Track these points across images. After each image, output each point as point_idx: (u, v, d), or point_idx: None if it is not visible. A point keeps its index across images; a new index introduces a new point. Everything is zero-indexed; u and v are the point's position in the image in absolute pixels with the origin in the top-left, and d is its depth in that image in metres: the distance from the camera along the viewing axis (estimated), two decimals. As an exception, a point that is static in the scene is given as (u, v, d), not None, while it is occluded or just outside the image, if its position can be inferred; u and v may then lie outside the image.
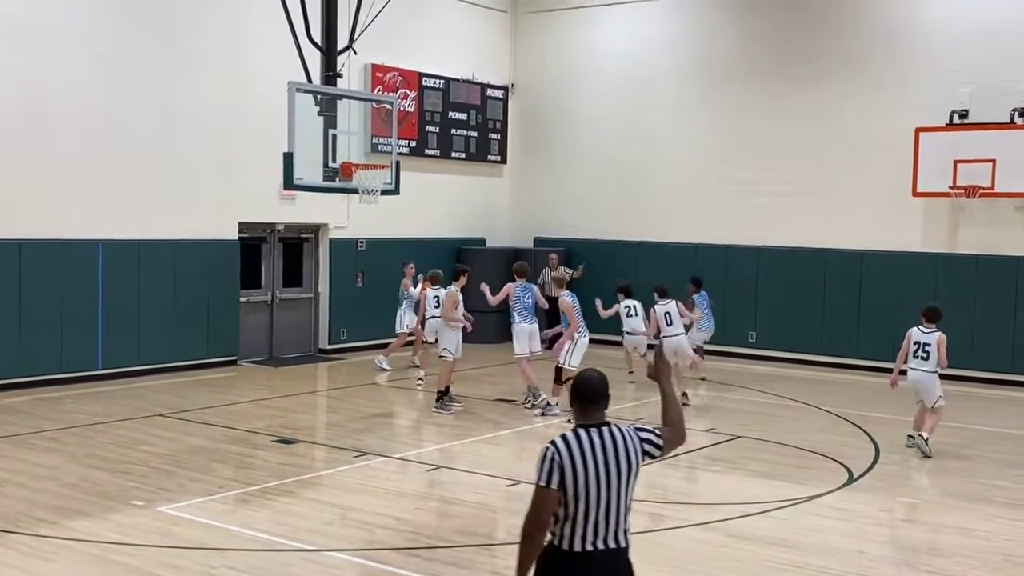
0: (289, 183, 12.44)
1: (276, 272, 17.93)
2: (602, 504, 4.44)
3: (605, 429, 4.54)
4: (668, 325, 14.30)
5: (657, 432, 4.65)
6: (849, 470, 10.73)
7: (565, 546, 4.47)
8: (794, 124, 18.40)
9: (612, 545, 4.49)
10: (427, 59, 19.62)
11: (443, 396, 13.44)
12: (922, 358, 11.71)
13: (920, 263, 17.22)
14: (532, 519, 4.46)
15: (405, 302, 16.51)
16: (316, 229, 18.33)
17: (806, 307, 18.23)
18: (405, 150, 18.68)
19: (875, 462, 11.17)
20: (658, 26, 19.99)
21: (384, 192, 13.40)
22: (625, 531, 4.53)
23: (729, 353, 18.13)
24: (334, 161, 12.93)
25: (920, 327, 11.94)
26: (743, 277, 18.61)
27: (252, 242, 17.44)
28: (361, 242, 18.61)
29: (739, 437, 12.62)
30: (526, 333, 13.68)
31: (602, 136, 20.54)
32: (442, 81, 19.87)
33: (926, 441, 11.39)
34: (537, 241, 21.34)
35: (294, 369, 16.89)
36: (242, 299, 17.08)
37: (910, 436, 11.82)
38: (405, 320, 16.51)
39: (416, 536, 8.32)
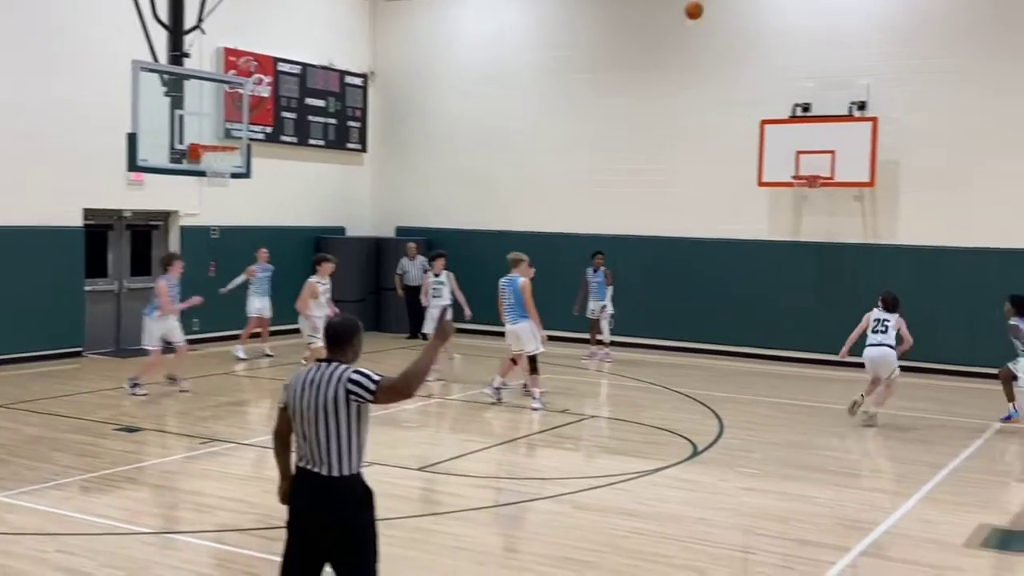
0: (133, 165, 12.10)
1: (123, 260, 17.37)
2: (308, 430, 4.91)
3: (326, 365, 4.97)
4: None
5: (377, 379, 4.87)
6: (694, 444, 11.06)
7: (295, 461, 5.10)
8: (647, 116, 18.82)
9: (317, 470, 4.89)
10: (283, 44, 19.31)
11: None
12: (881, 332, 12.39)
13: (766, 250, 17.84)
14: (274, 427, 5.27)
15: (251, 287, 16.50)
16: (166, 216, 17.83)
17: (660, 294, 18.67)
18: (261, 136, 18.39)
19: (719, 437, 11.54)
20: (518, 17, 20.16)
21: (235, 175, 13.15)
22: (328, 461, 4.85)
23: (587, 340, 18.43)
24: (181, 143, 12.60)
25: (877, 309, 12.55)
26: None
27: (98, 229, 16.84)
28: (214, 229, 18.19)
29: (592, 417, 12.87)
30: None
31: (463, 125, 20.59)
32: (299, 67, 19.58)
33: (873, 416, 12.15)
34: (399, 231, 21.26)
35: (142, 360, 16.35)
36: (87, 288, 16.49)
37: (864, 412, 12.31)
38: (256, 305, 16.39)
39: (264, 517, 8.18)
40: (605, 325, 17.34)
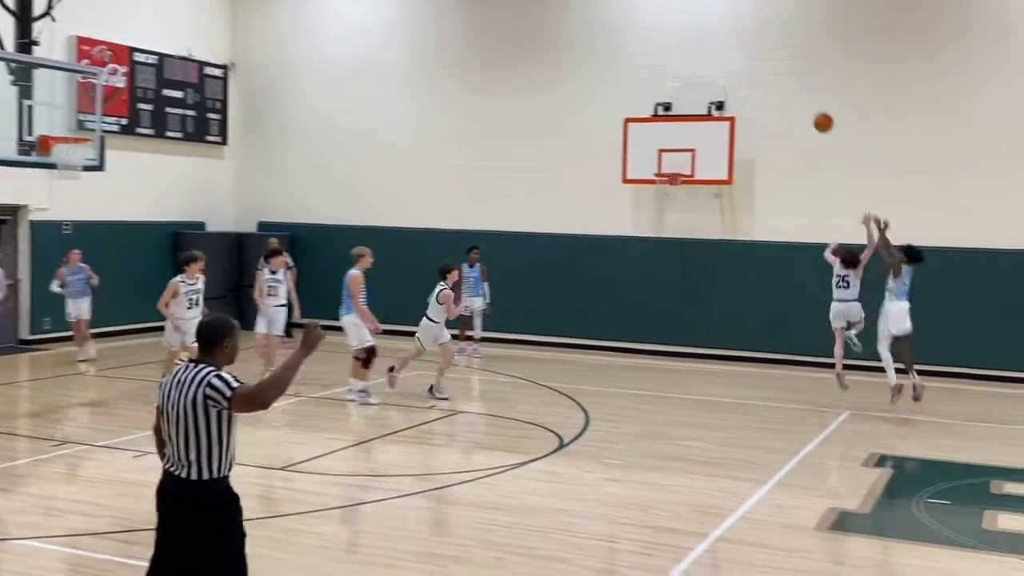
0: (-23, 156, 11.54)
1: (-32, 256, 16.55)
2: (172, 431, 4.87)
3: (193, 366, 4.91)
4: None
5: (234, 387, 4.79)
6: (560, 438, 11.20)
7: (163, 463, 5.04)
8: (514, 113, 18.93)
9: (179, 473, 4.85)
10: (139, 34, 18.67)
11: None
12: (843, 287, 13.36)
13: (630, 246, 18.19)
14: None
15: (65, 290, 15.47)
16: (14, 211, 17.01)
17: (528, 290, 18.82)
18: (115, 128, 17.77)
19: (584, 429, 11.72)
20: (382, 11, 20.01)
21: (87, 168, 12.71)
22: (188, 464, 4.81)
23: (456, 335, 18.42)
24: (30, 134, 12.09)
25: (838, 267, 13.51)
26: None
27: (-61, 224, 16.02)
28: (67, 225, 17.46)
29: (461, 412, 12.90)
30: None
31: (327, 119, 20.32)
32: (156, 57, 18.99)
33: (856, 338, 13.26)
34: (261, 226, 20.85)
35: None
36: (-70, 286, 15.63)
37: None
38: (69, 308, 15.55)
39: (118, 521, 7.94)
40: (478, 321, 17.42)
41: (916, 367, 13.23)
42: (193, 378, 4.83)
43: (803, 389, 14.90)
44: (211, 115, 20.37)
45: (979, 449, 11.31)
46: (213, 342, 4.96)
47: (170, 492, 4.90)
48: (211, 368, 4.88)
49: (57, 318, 16.55)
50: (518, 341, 18.59)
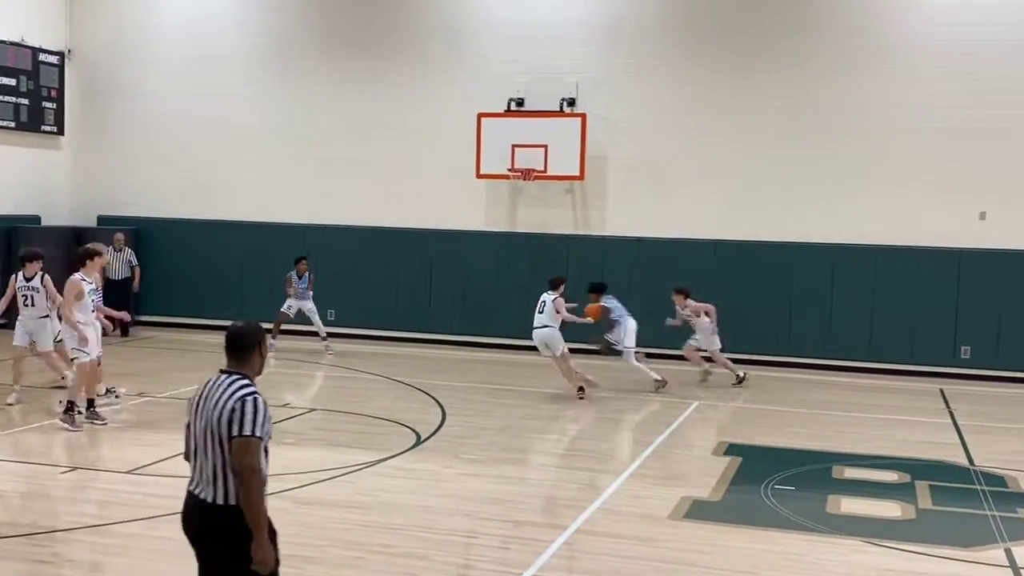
0: None
1: None
2: (196, 448, 4.55)
3: (225, 378, 4.58)
4: None
5: (248, 432, 4.45)
6: (417, 434, 11.13)
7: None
8: (367, 107, 18.70)
9: (202, 494, 4.51)
10: (-33, 16, 17.66)
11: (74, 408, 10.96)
12: (539, 312, 13.84)
13: (483, 241, 18.23)
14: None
15: None
16: None
17: (379, 285, 18.65)
18: (-60, 115, 16.73)
19: (441, 425, 11.68)
20: (225, 1, 19.44)
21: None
22: (213, 486, 4.47)
23: (306, 332, 18.11)
24: None
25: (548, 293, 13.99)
26: (322, 257, 18.60)
27: None
28: None
29: (313, 410, 12.66)
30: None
31: (170, 109, 19.62)
32: (-14, 42, 17.98)
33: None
34: (101, 220, 19.99)
35: None
36: None
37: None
38: None
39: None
40: (316, 319, 16.95)
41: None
42: (223, 393, 4.52)
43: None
44: (47, 104, 19.39)
45: (820, 436, 11.80)
46: (247, 349, 4.65)
47: (195, 515, 4.58)
48: (246, 382, 4.57)
49: None
50: (370, 337, 18.40)
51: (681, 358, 15.39)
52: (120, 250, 17.85)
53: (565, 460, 10.16)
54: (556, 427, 11.78)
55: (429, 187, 18.42)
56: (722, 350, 15.04)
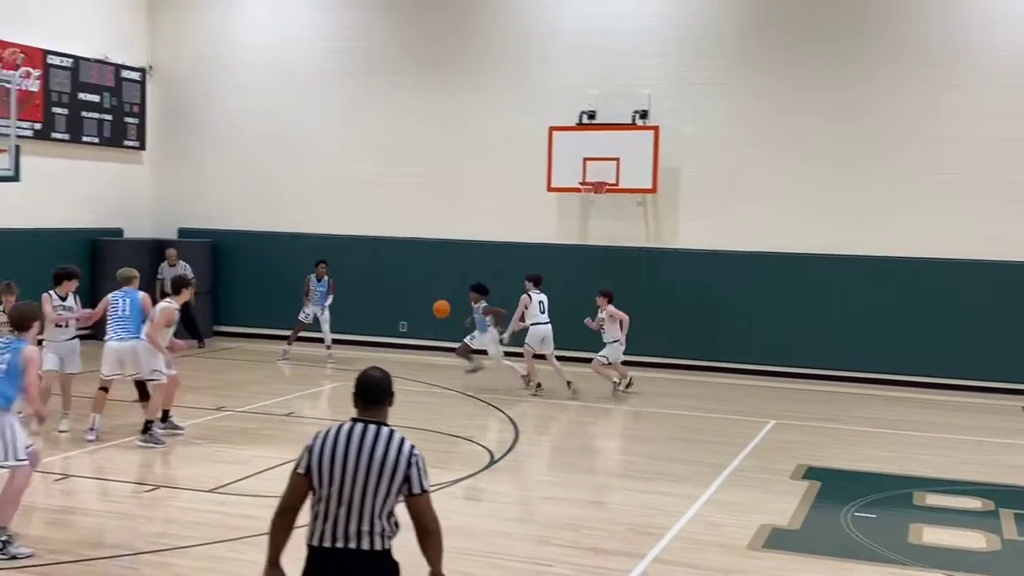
0: None
1: None
2: (345, 498, 4.44)
3: (372, 427, 4.55)
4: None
5: (427, 487, 4.57)
6: (491, 452, 11.18)
7: (308, 540, 4.52)
8: (439, 120, 18.82)
9: (351, 545, 4.45)
10: (53, 36, 18.13)
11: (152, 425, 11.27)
12: (542, 312, 14.87)
13: (554, 254, 18.23)
14: (279, 503, 4.58)
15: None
16: (-78, 218, 16.46)
17: (450, 298, 18.67)
18: (28, 133, 17.23)
19: (514, 444, 11.72)
20: (302, 17, 19.72)
21: (2, 178, 12.28)
22: (371, 534, 4.46)
23: (381, 343, 18.33)
24: (-59, 144, 11.67)
25: (532, 292, 14.95)
26: (395, 269, 18.84)
27: None
28: (-23, 233, 16.93)
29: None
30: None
31: (249, 124, 19.98)
32: (71, 60, 18.47)
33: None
34: (182, 232, 20.42)
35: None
36: None
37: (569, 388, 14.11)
38: None
39: (42, 552, 7.68)
40: (327, 328, 17.32)
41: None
42: (388, 444, 4.51)
43: (727, 399, 15.11)
44: (129, 119, 19.87)
45: (899, 459, 11.60)
46: (384, 397, 4.67)
47: (346, 567, 4.47)
48: (401, 434, 4.60)
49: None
50: (441, 349, 18.49)
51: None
52: (173, 264, 18.20)
53: (640, 483, 10.11)
54: (631, 447, 11.75)
55: (500, 200, 18.48)
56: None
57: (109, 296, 11.71)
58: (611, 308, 14.78)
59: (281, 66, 19.73)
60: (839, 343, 16.71)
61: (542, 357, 15.02)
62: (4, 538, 7.51)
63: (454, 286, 18.65)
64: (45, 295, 11.38)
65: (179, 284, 11.72)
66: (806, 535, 8.72)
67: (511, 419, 13.02)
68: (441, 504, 8.96)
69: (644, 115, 17.57)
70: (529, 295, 15.14)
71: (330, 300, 17.34)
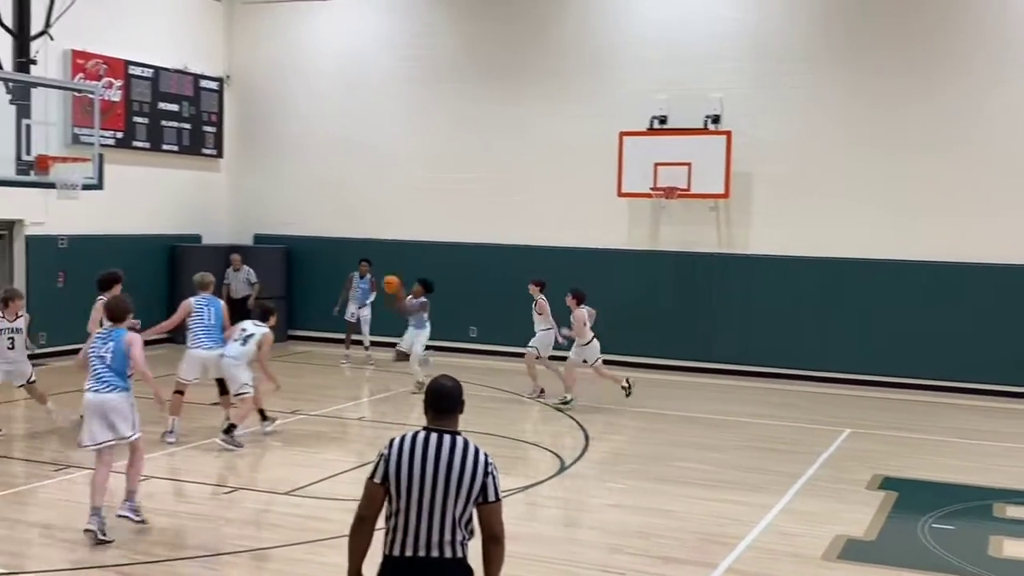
0: (-24, 177, 11.49)
1: (-36, 272, 16.48)
2: (424, 508, 4.47)
3: (447, 436, 4.58)
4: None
5: (500, 496, 4.59)
6: (561, 459, 11.19)
7: (385, 550, 4.53)
8: (508, 126, 18.92)
9: (433, 554, 4.48)
10: (134, 47, 18.61)
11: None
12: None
13: (625, 260, 18.19)
14: (356, 512, 4.60)
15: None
16: (10, 226, 16.94)
17: (522, 303, 18.76)
18: (111, 142, 17.70)
19: (585, 450, 11.72)
20: (376, 24, 19.97)
21: (87, 187, 12.65)
22: (452, 543, 4.50)
23: (450, 348, 18.43)
24: (28, 153, 12.05)
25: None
26: (463, 274, 18.94)
27: (-65, 240, 15.94)
28: (62, 239, 17.42)
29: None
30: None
31: (322, 131, 20.28)
32: (151, 70, 18.93)
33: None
34: (257, 238, 20.80)
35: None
36: (-76, 302, 15.51)
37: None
38: None
39: (123, 552, 7.90)
40: (366, 329, 17.80)
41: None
42: (465, 453, 4.56)
43: (802, 407, 14.94)
44: (207, 128, 20.30)
45: (977, 469, 11.36)
46: (456, 406, 4.69)
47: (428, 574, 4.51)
48: (475, 444, 4.63)
49: (55, 332, 16.48)
50: (511, 354, 18.54)
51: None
52: (238, 270, 18.50)
53: (713, 491, 10.04)
54: (703, 455, 11.65)
55: (571, 206, 18.49)
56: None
57: (192, 302, 11.87)
58: (579, 311, 14.28)
59: (353, 73, 20.00)
60: (916, 350, 16.39)
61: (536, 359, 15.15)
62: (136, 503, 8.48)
63: (525, 292, 18.75)
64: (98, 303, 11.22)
65: (267, 314, 11.97)
66: (882, 546, 8.58)
67: (581, 425, 13.02)
68: (511, 510, 9.01)
69: (716, 119, 17.44)
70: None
71: (372, 298, 17.73)
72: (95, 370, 8.39)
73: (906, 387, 16.20)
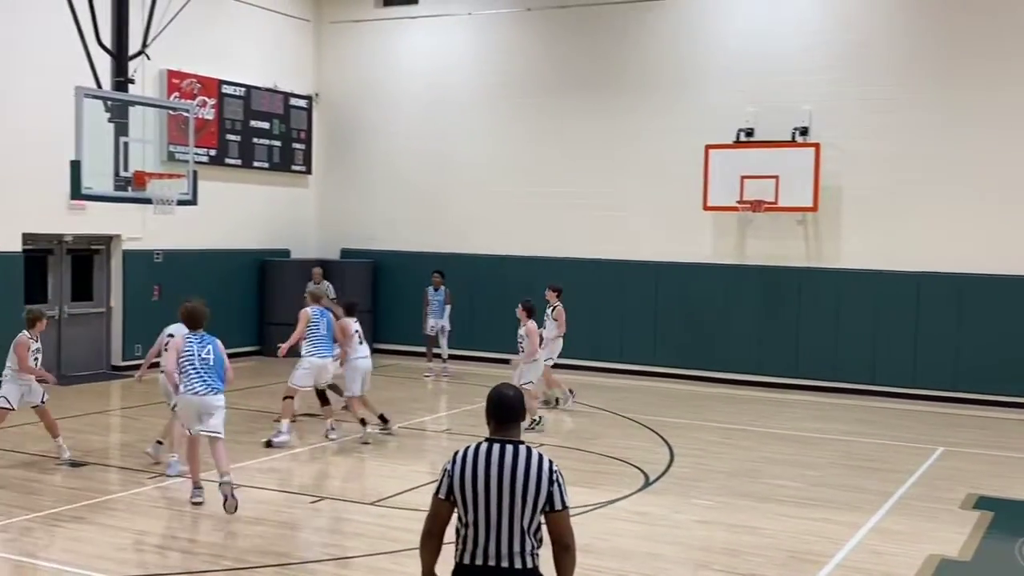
0: (77, 193, 11.88)
1: (64, 286, 17.03)
2: (492, 520, 4.45)
3: (510, 447, 4.53)
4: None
5: (568, 504, 4.54)
6: (645, 474, 11.11)
7: (456, 558, 4.54)
8: (593, 141, 18.92)
9: (503, 564, 4.45)
10: (227, 66, 19.11)
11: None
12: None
13: (711, 274, 18.02)
14: (424, 526, 4.60)
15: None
16: (108, 240, 17.52)
17: (606, 317, 18.76)
18: (204, 159, 18.17)
19: (669, 466, 11.61)
20: (461, 42, 20.17)
21: (181, 202, 12.96)
22: (522, 553, 4.48)
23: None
24: (126, 170, 12.42)
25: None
26: (544, 288, 18.92)
27: (37, 254, 16.50)
28: (158, 254, 17.93)
29: (541, 445, 12.85)
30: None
31: (409, 147, 20.54)
32: (243, 89, 19.40)
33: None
34: (344, 253, 21.13)
35: (84, 387, 16.08)
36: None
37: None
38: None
39: (213, 558, 8.07)
40: (444, 341, 17.91)
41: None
42: (530, 461, 4.50)
43: (892, 424, 14.60)
44: (296, 145, 20.72)
45: (1082, 490, 10.96)
46: (519, 415, 4.63)
47: None
48: (537, 451, 4.58)
49: (150, 344, 16.86)
50: (595, 369, 18.51)
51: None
52: (318, 283, 18.69)
53: (802, 509, 9.85)
54: (792, 472, 11.45)
55: (655, 219, 18.40)
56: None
57: (309, 312, 12.49)
58: (531, 324, 13.53)
59: (439, 90, 20.21)
60: (1010, 367, 15.90)
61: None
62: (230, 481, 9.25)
63: (609, 306, 18.70)
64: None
65: (351, 308, 12.85)
66: (977, 567, 8.33)
67: (666, 441, 12.90)
68: (595, 525, 9.07)
69: (804, 132, 17.21)
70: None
71: (448, 310, 17.77)
72: (196, 372, 9.26)
73: (1000, 405, 15.74)
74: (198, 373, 9.28)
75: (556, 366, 15.56)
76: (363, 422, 12.45)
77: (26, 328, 11.09)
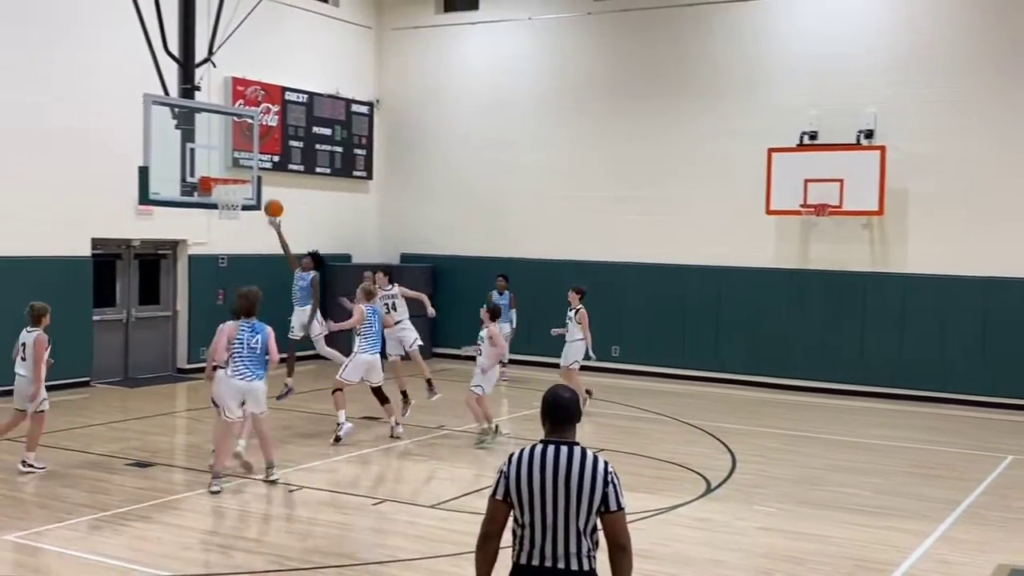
0: (144, 198, 12.10)
1: (132, 289, 17.37)
2: (548, 521, 4.46)
3: (565, 448, 4.53)
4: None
5: (623, 505, 4.52)
6: (707, 480, 11.00)
7: (514, 558, 4.55)
8: (653, 145, 18.83)
9: (560, 566, 4.46)
10: (290, 73, 19.36)
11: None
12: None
13: (773, 278, 17.82)
14: (481, 529, 4.60)
15: None
16: (174, 245, 17.84)
17: (667, 322, 18.64)
18: (268, 165, 18.39)
19: (732, 472, 11.49)
20: (521, 47, 20.20)
21: (245, 208, 13.15)
22: (578, 554, 4.47)
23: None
24: (192, 176, 12.62)
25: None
26: (606, 293, 18.90)
27: (106, 259, 16.85)
28: (222, 258, 18.20)
29: (602, 450, 12.80)
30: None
31: (469, 153, 20.63)
32: (306, 96, 19.63)
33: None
34: (404, 257, 21.26)
35: (151, 390, 16.38)
36: (95, 318, 16.45)
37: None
38: None
39: (277, 559, 8.15)
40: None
41: None
42: (577, 460, 4.50)
43: (962, 432, 14.31)
44: (357, 151, 20.91)
45: None
46: (574, 417, 4.64)
47: None
48: (589, 451, 4.57)
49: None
50: (656, 374, 18.39)
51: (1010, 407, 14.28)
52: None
53: (867, 517, 9.69)
54: (856, 479, 11.26)
55: (717, 223, 18.25)
56: None
57: (365, 309, 12.73)
58: (493, 327, 12.88)
59: (499, 95, 20.27)
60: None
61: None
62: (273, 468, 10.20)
63: (670, 310, 18.58)
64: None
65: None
66: (1051, 579, 8.12)
67: (728, 447, 12.78)
68: (656, 530, 9.00)
69: (869, 135, 16.95)
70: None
71: (513, 314, 17.55)
72: (243, 359, 10.03)
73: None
74: (243, 360, 10.07)
75: (584, 368, 15.30)
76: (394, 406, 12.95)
77: (31, 324, 10.64)
